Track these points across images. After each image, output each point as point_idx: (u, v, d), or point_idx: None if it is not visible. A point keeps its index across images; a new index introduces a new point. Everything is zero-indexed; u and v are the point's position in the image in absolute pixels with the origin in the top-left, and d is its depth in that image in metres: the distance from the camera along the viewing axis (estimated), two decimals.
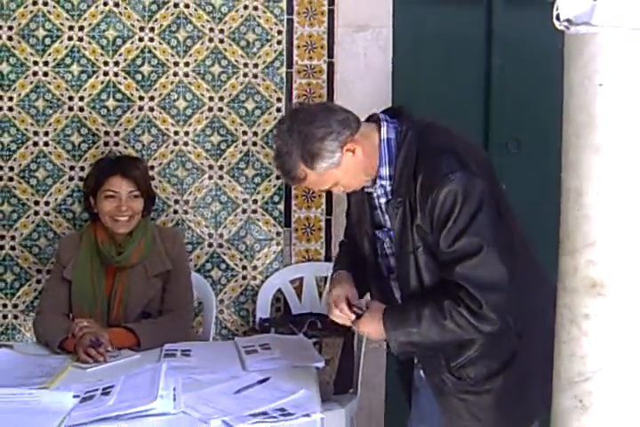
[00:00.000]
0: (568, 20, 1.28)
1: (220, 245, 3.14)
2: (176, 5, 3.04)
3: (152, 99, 3.05)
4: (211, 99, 3.08)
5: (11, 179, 3.00)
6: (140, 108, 3.05)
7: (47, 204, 3.03)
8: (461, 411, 1.96)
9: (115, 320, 2.54)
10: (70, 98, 3.01)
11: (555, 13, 1.29)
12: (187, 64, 3.06)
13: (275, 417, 1.82)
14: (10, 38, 2.96)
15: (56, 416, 1.82)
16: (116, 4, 3.00)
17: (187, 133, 3.09)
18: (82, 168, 3.03)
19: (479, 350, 1.91)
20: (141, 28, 3.03)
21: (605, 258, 1.31)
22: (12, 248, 3.03)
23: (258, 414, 1.83)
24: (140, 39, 3.03)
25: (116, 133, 3.04)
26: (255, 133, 3.12)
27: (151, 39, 3.04)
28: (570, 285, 1.36)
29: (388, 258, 1.98)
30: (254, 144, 3.12)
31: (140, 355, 2.33)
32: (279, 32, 3.10)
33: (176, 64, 3.06)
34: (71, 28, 2.99)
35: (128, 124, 3.04)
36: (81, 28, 2.99)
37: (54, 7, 2.97)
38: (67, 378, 2.12)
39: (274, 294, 3.15)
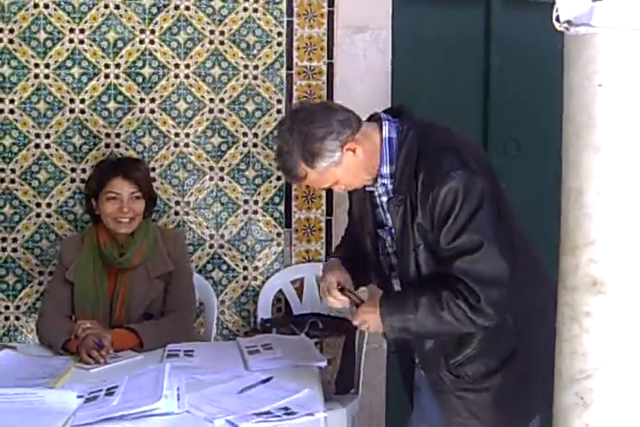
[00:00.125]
0: (568, 22, 1.29)
1: (221, 246, 3.14)
2: (176, 8, 3.05)
3: (153, 101, 3.06)
4: (211, 100, 3.09)
5: (12, 181, 3.00)
6: (141, 110, 3.06)
7: (49, 206, 3.04)
8: (460, 409, 1.96)
9: (117, 321, 2.54)
10: (71, 100, 3.01)
11: (554, 15, 1.30)
12: (187, 66, 3.07)
13: (278, 416, 1.82)
14: (11, 41, 2.96)
15: (60, 417, 1.82)
16: (117, 7, 3.01)
17: (187, 135, 3.09)
18: (83, 170, 3.03)
19: (477, 348, 1.91)
20: (142, 31, 3.03)
21: (606, 256, 1.32)
22: (14, 250, 3.03)
23: (262, 413, 1.84)
24: (141, 41, 3.04)
25: (117, 135, 3.05)
26: (255, 135, 3.13)
27: (152, 41, 3.04)
28: (571, 283, 1.37)
29: (390, 256, 1.99)
30: (255, 145, 3.13)
31: (142, 356, 2.33)
32: (279, 34, 3.11)
33: (177, 66, 3.07)
34: (72, 30, 2.99)
35: (129, 126, 3.05)
36: (82, 31, 3.00)
37: (55, 10, 2.98)
38: (70, 379, 2.12)
39: (275, 294, 3.15)
